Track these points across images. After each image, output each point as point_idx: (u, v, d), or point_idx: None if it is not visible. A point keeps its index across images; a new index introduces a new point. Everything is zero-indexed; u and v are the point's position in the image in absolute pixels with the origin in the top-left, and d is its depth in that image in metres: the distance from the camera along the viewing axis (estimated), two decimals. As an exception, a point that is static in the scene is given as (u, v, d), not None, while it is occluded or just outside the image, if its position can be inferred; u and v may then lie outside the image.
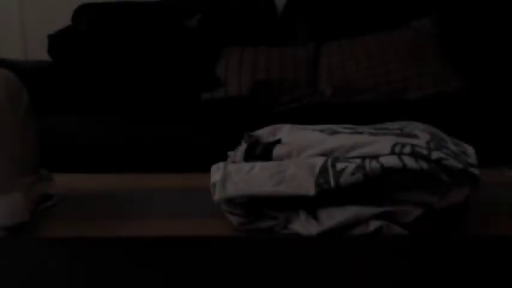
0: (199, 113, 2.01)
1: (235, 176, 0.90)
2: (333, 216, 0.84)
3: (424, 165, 0.82)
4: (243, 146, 0.98)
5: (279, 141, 0.96)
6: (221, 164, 0.94)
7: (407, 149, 0.83)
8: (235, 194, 0.88)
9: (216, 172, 0.92)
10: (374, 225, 0.83)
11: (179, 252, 0.77)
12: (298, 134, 0.96)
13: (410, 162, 0.82)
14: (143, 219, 0.97)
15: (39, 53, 2.44)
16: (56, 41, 2.28)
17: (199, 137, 1.89)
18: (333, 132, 0.92)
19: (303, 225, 0.86)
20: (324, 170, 0.85)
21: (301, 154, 0.91)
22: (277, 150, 0.94)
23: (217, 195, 0.90)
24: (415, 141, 0.85)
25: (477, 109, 1.93)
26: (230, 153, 1.01)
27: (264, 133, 1.01)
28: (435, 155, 0.83)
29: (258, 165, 0.91)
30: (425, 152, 0.83)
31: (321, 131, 0.94)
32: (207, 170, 0.95)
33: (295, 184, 0.85)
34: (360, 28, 2.36)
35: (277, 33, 2.54)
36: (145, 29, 2.31)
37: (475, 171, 0.85)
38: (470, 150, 0.92)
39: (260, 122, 1.21)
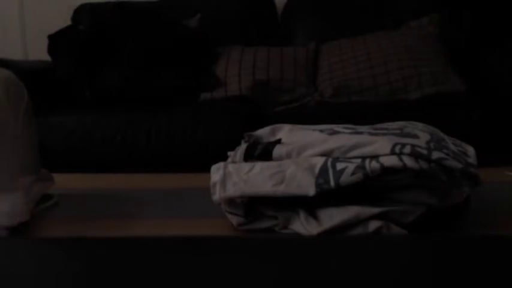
0: (199, 113, 2.01)
1: (235, 176, 0.90)
2: (333, 216, 0.84)
3: (424, 165, 0.82)
4: (243, 146, 0.98)
5: (279, 141, 0.96)
6: (221, 164, 0.94)
7: (407, 149, 0.83)
8: (235, 194, 0.88)
9: (216, 172, 0.92)
10: (374, 225, 0.83)
11: (179, 252, 0.77)
12: (298, 134, 0.96)
13: (410, 162, 0.82)
14: (143, 219, 0.97)
15: (39, 53, 2.43)
16: (56, 41, 2.28)
17: (199, 137, 1.89)
18: (333, 132, 0.92)
19: (303, 225, 0.85)
20: (324, 170, 0.85)
21: (301, 154, 0.91)
22: (277, 150, 0.94)
23: (217, 195, 0.90)
24: (415, 141, 0.85)
25: (477, 109, 1.92)
26: (230, 153, 1.01)
27: (264, 133, 1.01)
28: (435, 155, 0.83)
29: (258, 165, 0.91)
30: (425, 152, 0.83)
31: (321, 131, 0.94)
32: (207, 170, 0.95)
33: (295, 184, 0.85)
34: (360, 28, 2.36)
35: (277, 33, 2.54)
36: (145, 28, 2.30)
37: (475, 171, 0.85)
38: (470, 150, 0.92)
39: (260, 122, 1.21)
